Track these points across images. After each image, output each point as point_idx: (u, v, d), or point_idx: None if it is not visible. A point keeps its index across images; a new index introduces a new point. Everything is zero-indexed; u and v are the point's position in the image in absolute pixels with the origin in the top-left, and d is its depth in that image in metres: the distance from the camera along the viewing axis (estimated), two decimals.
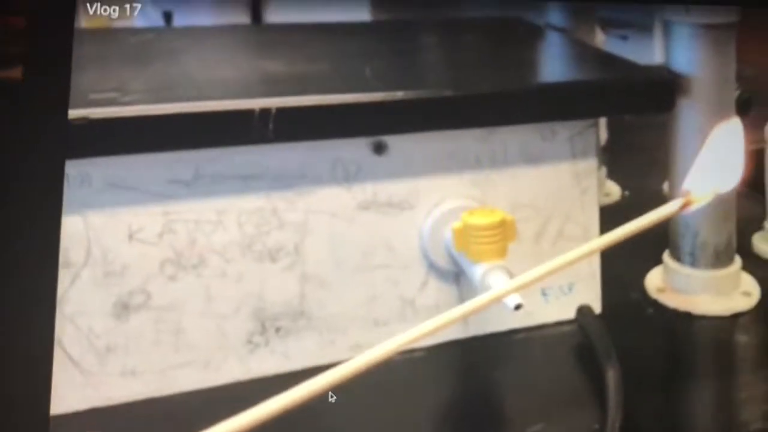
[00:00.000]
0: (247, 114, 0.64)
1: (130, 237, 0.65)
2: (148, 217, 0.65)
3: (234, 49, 0.93)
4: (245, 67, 0.81)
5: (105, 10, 0.81)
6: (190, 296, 0.67)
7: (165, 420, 0.66)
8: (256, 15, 1.18)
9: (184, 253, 0.67)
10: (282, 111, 0.65)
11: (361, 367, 0.40)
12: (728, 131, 0.48)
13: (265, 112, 0.64)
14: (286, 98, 0.66)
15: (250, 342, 0.69)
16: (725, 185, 0.47)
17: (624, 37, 1.06)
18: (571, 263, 0.45)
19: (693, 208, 0.47)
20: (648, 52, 0.94)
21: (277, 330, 0.70)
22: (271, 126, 0.64)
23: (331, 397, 0.59)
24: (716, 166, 0.47)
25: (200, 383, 0.69)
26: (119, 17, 0.98)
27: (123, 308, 0.66)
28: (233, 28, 1.05)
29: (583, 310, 0.75)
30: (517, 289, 0.44)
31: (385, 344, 0.40)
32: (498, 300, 0.44)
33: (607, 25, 1.08)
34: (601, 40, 1.07)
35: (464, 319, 0.42)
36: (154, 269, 0.66)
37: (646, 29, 1.06)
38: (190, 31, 1.02)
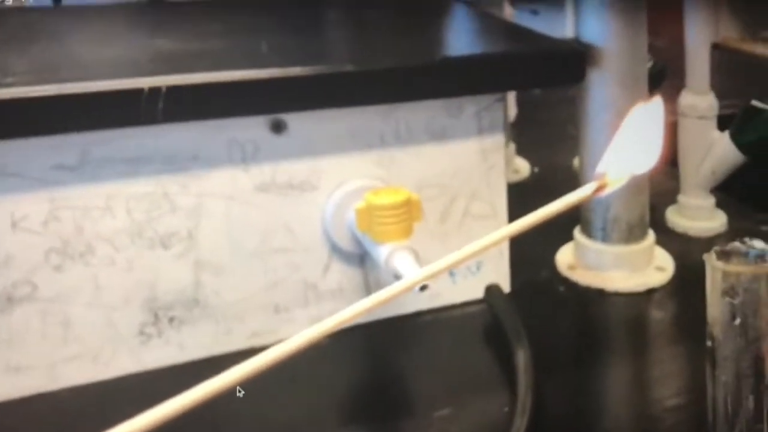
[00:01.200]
0: (135, 93, 0.61)
1: (14, 226, 0.62)
2: (32, 205, 0.62)
3: (125, 27, 0.90)
4: (136, 46, 0.78)
5: None
6: (77, 286, 0.64)
7: (53, 417, 0.63)
8: None
9: (70, 242, 0.63)
10: (172, 89, 0.61)
11: (266, 363, 0.37)
12: (648, 112, 0.47)
13: (154, 91, 0.61)
14: (177, 76, 0.63)
15: (142, 333, 0.66)
16: (641, 167, 0.46)
17: (534, 12, 1.04)
18: (482, 250, 0.43)
19: (608, 191, 0.45)
20: (559, 27, 0.93)
21: (171, 320, 0.67)
22: (160, 105, 0.61)
23: (239, 391, 0.57)
24: (633, 148, 0.46)
25: (90, 377, 0.66)
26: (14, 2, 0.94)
27: (7, 301, 0.63)
28: (126, 7, 1.02)
29: (492, 290, 0.73)
30: (428, 278, 0.42)
31: (292, 339, 0.38)
32: (408, 290, 0.42)
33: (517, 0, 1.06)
34: (510, 14, 1.05)
35: (373, 310, 0.40)
36: (39, 259, 0.63)
37: (557, 3, 1.05)
38: (80, 11, 0.98)
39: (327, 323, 0.40)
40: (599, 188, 0.45)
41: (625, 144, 0.46)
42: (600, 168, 0.45)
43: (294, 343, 0.39)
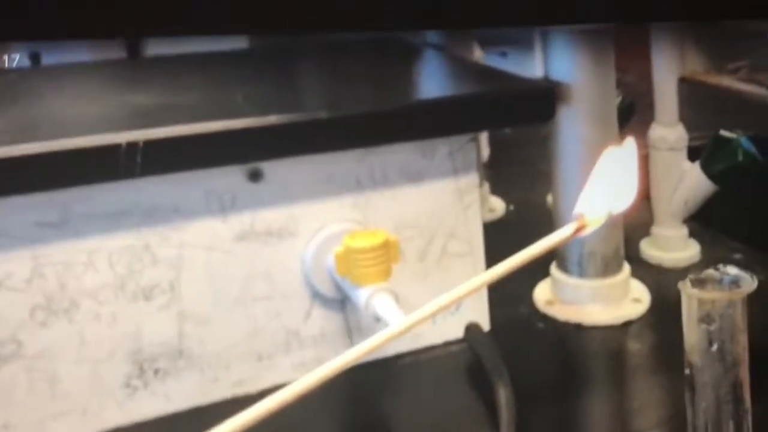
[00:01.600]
0: (113, 149, 0.62)
1: None
2: (15, 263, 0.63)
3: (103, 84, 0.90)
4: (114, 102, 0.79)
5: None
6: (63, 342, 0.64)
7: None
8: (134, 49, 1.15)
9: (54, 298, 0.64)
10: (149, 143, 0.62)
11: (255, 417, 0.38)
12: (621, 153, 0.48)
13: (132, 145, 0.62)
14: (154, 130, 0.63)
15: (128, 386, 0.66)
16: (619, 206, 0.46)
17: (503, 54, 1.06)
18: (464, 296, 0.43)
19: (587, 231, 0.46)
20: (528, 67, 0.94)
21: (156, 371, 0.67)
22: (138, 160, 0.62)
23: None
24: (609, 188, 0.46)
25: None
26: None
27: None
28: (104, 64, 1.03)
29: (472, 329, 0.74)
30: (412, 327, 0.42)
31: (281, 393, 0.39)
32: (393, 339, 0.43)
33: (486, 43, 1.08)
34: (479, 57, 1.07)
35: (359, 360, 0.40)
36: (24, 316, 0.63)
37: (525, 45, 1.07)
38: (58, 70, 0.99)
39: (313, 376, 0.40)
40: (579, 229, 0.45)
41: (601, 184, 0.47)
42: (578, 209, 0.46)
43: (282, 396, 0.39)
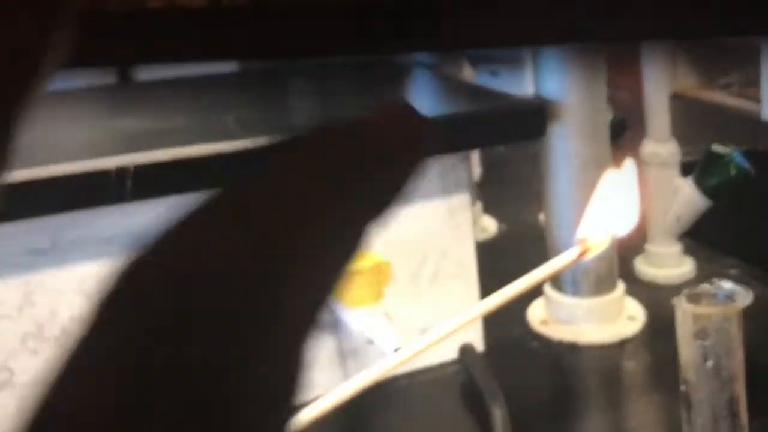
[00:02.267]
0: (103, 174, 0.61)
1: None
2: (6, 291, 0.62)
3: (93, 109, 0.90)
4: (103, 127, 0.79)
5: None
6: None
7: None
8: (124, 73, 1.15)
9: (45, 326, 0.63)
10: (140, 168, 0.62)
11: None
12: (621, 175, 0.47)
13: (122, 170, 0.61)
14: (144, 154, 0.63)
15: None
16: (622, 229, 0.46)
17: (494, 73, 1.05)
18: (465, 324, 0.43)
19: (590, 255, 0.46)
20: (519, 86, 0.94)
21: None
22: (129, 184, 0.61)
23: None
24: (611, 211, 0.46)
25: None
26: None
27: None
28: (95, 89, 1.02)
29: (466, 350, 0.73)
30: (410, 359, 0.42)
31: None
32: (392, 370, 0.42)
33: (477, 62, 1.07)
34: (470, 76, 1.06)
35: (360, 390, 0.40)
36: (15, 344, 0.63)
37: (516, 64, 1.06)
38: (47, 96, 0.98)
39: (314, 408, 0.40)
40: (582, 253, 0.45)
41: (603, 207, 0.47)
42: (580, 233, 0.46)
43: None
